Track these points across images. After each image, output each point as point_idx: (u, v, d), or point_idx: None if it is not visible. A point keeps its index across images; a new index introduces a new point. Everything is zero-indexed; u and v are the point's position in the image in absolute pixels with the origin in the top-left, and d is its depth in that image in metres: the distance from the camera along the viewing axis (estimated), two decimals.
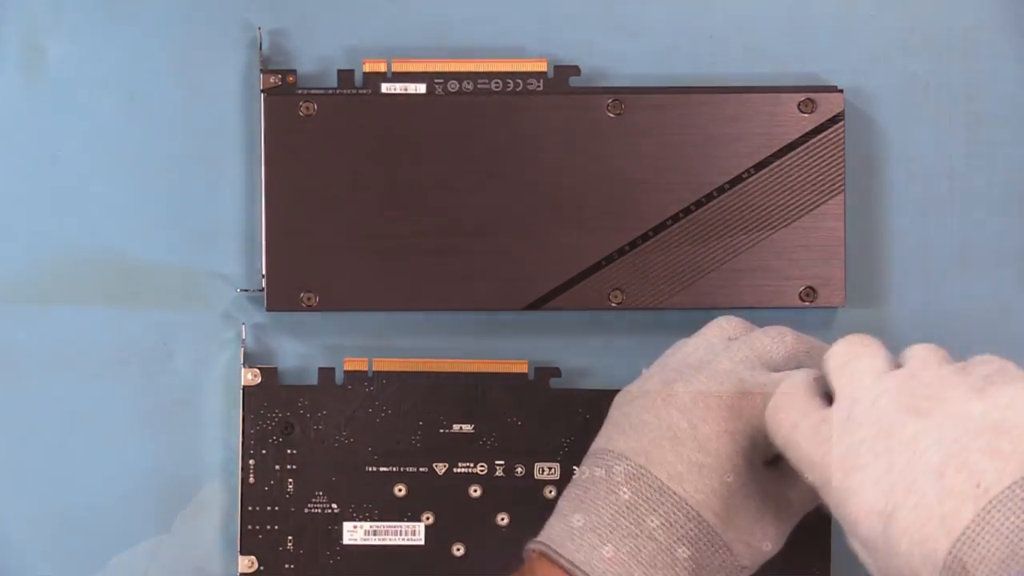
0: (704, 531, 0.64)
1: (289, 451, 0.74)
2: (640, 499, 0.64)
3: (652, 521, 0.64)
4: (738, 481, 0.65)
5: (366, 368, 0.74)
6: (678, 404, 0.65)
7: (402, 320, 0.75)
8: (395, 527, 0.73)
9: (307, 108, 0.73)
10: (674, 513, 0.64)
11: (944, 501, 0.58)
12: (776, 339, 0.68)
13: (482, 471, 0.74)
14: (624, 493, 0.64)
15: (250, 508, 0.73)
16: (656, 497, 0.64)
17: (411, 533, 0.73)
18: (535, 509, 0.74)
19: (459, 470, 0.74)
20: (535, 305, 0.73)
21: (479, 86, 0.74)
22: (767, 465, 0.66)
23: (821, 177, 0.74)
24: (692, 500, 0.64)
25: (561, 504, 0.66)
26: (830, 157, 0.74)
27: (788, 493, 0.67)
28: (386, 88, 0.74)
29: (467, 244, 0.73)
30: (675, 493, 0.64)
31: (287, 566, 0.73)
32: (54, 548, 0.74)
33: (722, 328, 0.69)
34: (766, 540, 0.66)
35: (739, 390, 0.65)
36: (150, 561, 0.74)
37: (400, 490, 0.74)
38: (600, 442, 0.67)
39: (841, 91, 0.74)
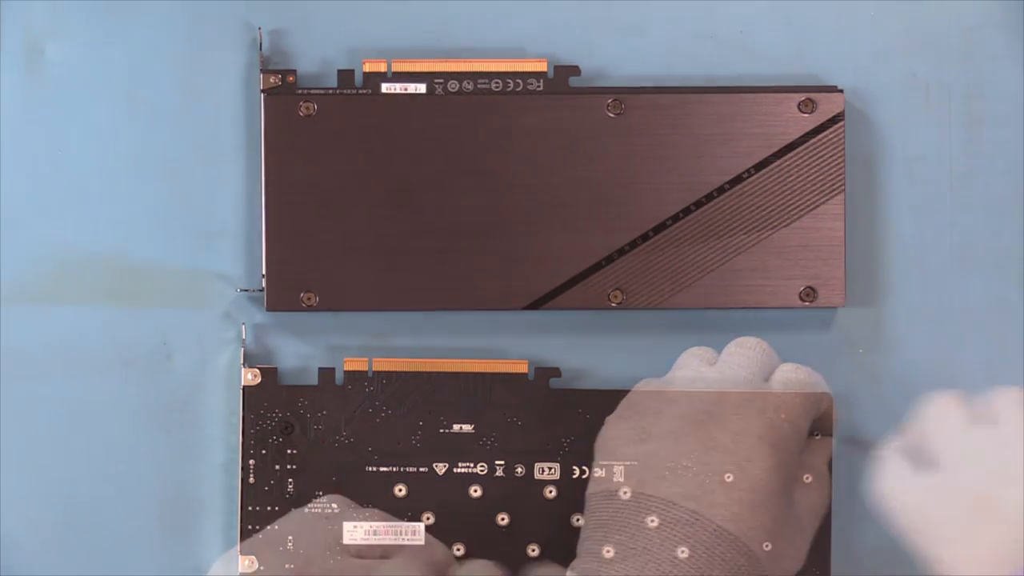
0: (753, 563, 0.66)
1: (289, 451, 0.74)
2: (698, 546, 0.66)
3: (712, 568, 0.66)
4: (783, 511, 0.67)
5: (366, 368, 0.74)
6: (719, 446, 0.67)
7: (402, 320, 0.75)
8: (395, 527, 0.73)
9: (307, 108, 0.73)
10: (729, 552, 0.66)
11: None
12: (755, 347, 0.71)
13: (482, 471, 0.74)
14: (680, 547, 0.66)
15: (250, 508, 0.73)
16: (712, 541, 0.66)
17: (411, 533, 0.73)
18: (535, 509, 0.74)
19: (459, 470, 0.74)
20: (535, 305, 0.73)
21: (479, 86, 0.74)
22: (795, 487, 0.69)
23: (821, 177, 0.74)
24: (746, 537, 0.66)
25: (600, 549, 0.67)
26: (830, 157, 0.74)
27: (808, 509, 0.69)
28: (386, 88, 0.74)
29: (467, 244, 0.73)
30: (731, 533, 0.66)
31: (287, 566, 0.73)
32: (55, 548, 0.74)
33: (697, 355, 0.71)
34: (798, 559, 0.69)
35: (759, 390, 0.68)
36: (150, 561, 0.74)
37: (400, 490, 0.74)
38: (632, 484, 0.68)
39: (841, 91, 0.74)
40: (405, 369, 0.74)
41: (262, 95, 0.73)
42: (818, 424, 0.74)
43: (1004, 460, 0.64)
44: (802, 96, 0.74)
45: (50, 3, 0.74)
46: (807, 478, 0.74)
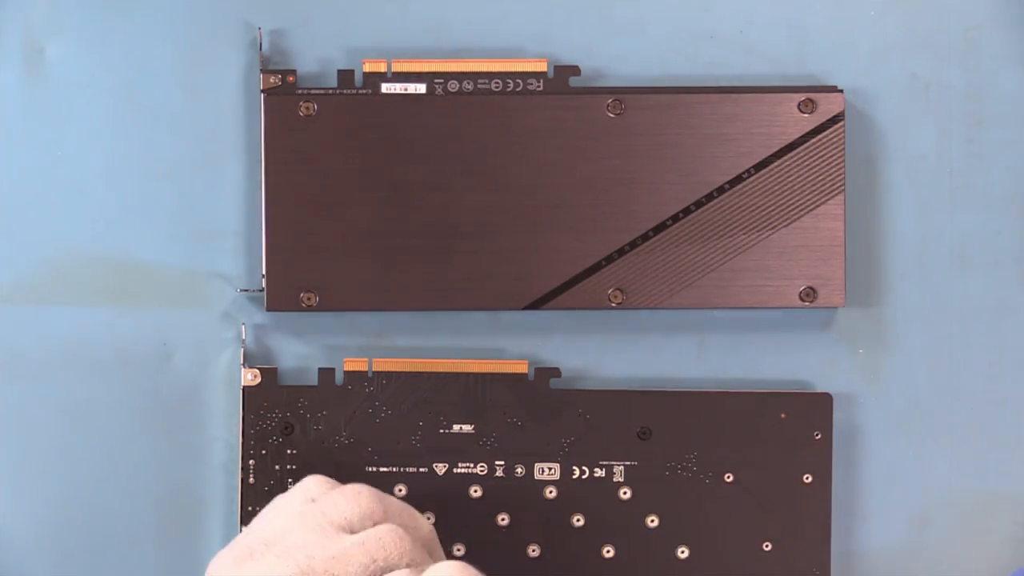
0: None
1: (289, 451, 0.74)
2: None
3: None
4: None
5: (366, 368, 0.74)
6: None
7: (402, 320, 0.75)
8: None
9: (307, 108, 0.73)
10: None
11: None
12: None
13: (482, 471, 0.74)
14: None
15: (250, 508, 0.73)
16: None
17: None
18: (535, 509, 0.74)
19: (459, 470, 0.74)
20: (535, 305, 0.73)
21: (479, 86, 0.74)
22: None
23: (821, 177, 0.74)
24: None
25: None
26: (830, 157, 0.74)
27: None
28: (386, 88, 0.74)
29: (467, 244, 0.73)
30: None
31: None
32: (54, 548, 0.74)
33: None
34: None
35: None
36: (150, 561, 0.74)
37: (400, 490, 0.74)
38: None
39: (841, 91, 0.74)
40: (405, 369, 0.74)
41: (262, 95, 0.73)
42: (818, 424, 0.74)
43: None
44: (802, 96, 0.74)
45: (50, 2, 0.74)
46: (807, 478, 0.74)
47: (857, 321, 0.75)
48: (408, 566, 0.64)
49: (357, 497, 0.66)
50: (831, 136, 0.74)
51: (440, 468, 0.74)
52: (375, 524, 0.66)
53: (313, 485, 0.67)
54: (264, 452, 0.74)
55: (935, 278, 0.76)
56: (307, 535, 0.64)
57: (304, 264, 0.73)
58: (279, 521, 0.65)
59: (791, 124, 0.74)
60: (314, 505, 0.66)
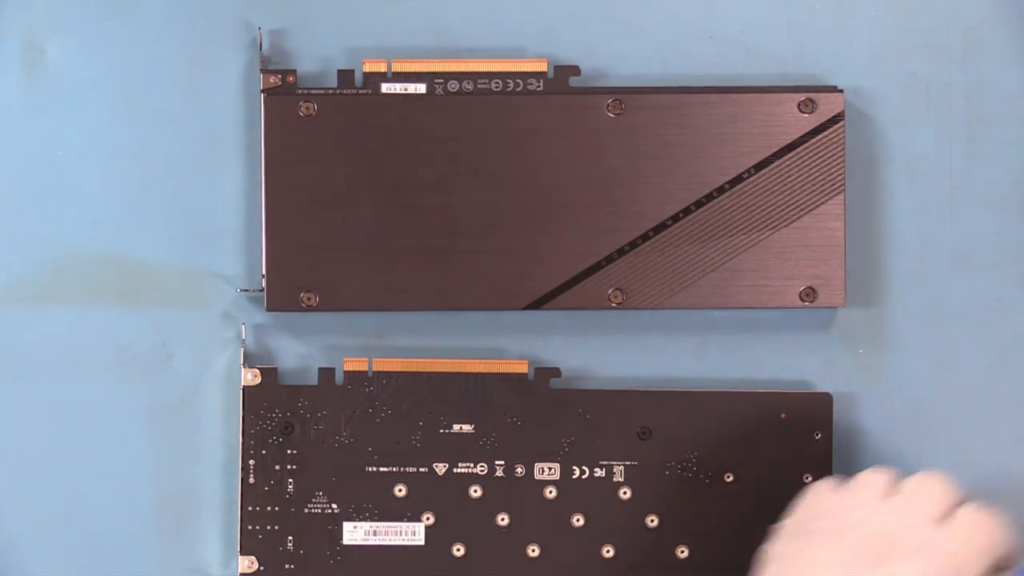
0: None
1: (289, 451, 0.74)
2: None
3: None
4: None
5: (366, 368, 0.74)
6: None
7: (402, 320, 0.75)
8: (395, 527, 0.73)
9: (307, 108, 0.73)
10: None
11: None
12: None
13: (482, 471, 0.74)
14: None
15: (250, 508, 0.73)
16: None
17: (411, 533, 0.73)
18: (535, 509, 0.74)
19: (459, 470, 0.74)
20: (535, 305, 0.73)
21: (479, 86, 0.74)
22: None
23: (821, 177, 0.74)
24: None
25: None
26: (830, 157, 0.74)
27: None
28: (386, 88, 0.74)
29: (467, 244, 0.73)
30: None
31: (287, 566, 0.73)
32: (54, 548, 0.74)
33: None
34: None
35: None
36: (150, 561, 0.74)
37: (400, 490, 0.74)
38: None
39: (841, 91, 0.74)
40: (405, 369, 0.74)
41: (262, 95, 0.73)
42: (819, 424, 0.74)
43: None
44: (802, 96, 0.74)
45: (51, 2, 0.74)
46: (806, 478, 0.74)
47: (857, 321, 0.75)
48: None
49: (942, 482, 0.66)
50: (831, 136, 0.74)
51: (440, 468, 0.74)
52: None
53: (878, 478, 0.67)
54: (264, 452, 0.74)
55: (935, 278, 0.76)
56: (949, 542, 0.64)
57: (304, 264, 0.73)
58: (881, 526, 0.65)
59: (791, 124, 0.74)
60: (898, 500, 0.65)
